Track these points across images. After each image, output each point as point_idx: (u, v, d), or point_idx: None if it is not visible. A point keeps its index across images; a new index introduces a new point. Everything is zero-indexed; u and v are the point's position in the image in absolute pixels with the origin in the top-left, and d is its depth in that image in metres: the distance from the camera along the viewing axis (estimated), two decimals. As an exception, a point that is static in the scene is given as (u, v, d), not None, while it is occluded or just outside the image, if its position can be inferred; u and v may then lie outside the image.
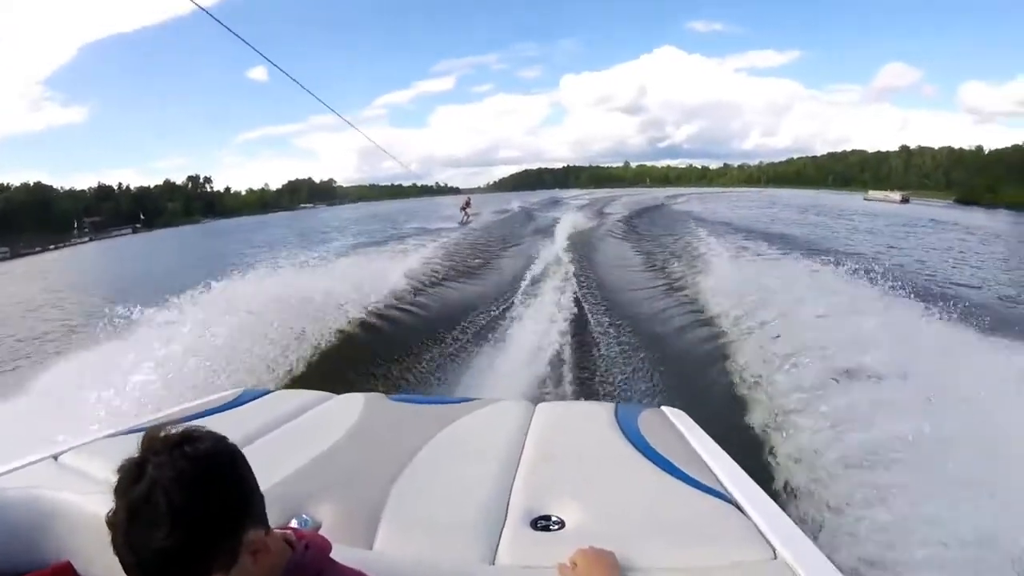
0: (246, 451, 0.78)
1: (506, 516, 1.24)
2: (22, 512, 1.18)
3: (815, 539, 1.11)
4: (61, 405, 3.74)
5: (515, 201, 33.26)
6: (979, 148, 58.55)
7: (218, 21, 3.97)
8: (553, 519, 1.23)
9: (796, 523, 1.19)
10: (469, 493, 1.33)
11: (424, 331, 6.71)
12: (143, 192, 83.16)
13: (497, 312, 7.74)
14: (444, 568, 1.06)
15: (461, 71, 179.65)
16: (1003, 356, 4.09)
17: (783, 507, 1.25)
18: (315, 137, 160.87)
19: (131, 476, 0.68)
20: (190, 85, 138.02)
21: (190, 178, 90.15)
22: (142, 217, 73.45)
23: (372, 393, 2.14)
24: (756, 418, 3.94)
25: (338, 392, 2.14)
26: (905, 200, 51.13)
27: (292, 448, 1.55)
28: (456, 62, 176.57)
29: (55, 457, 1.48)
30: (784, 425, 3.63)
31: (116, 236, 62.51)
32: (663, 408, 1.92)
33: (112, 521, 0.69)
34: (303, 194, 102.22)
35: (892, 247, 16.82)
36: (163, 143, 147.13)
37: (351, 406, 1.93)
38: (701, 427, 1.73)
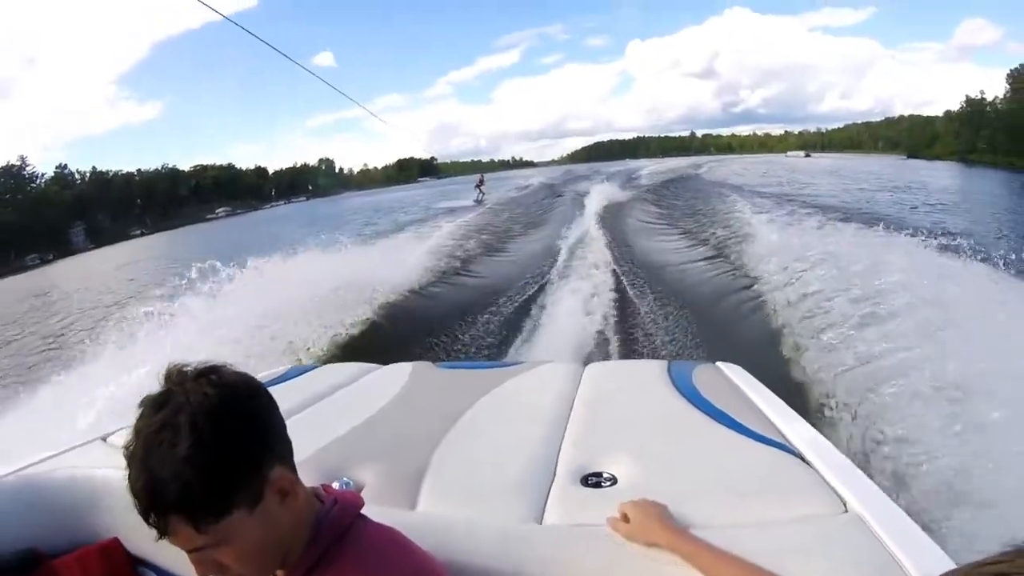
0: (290, 422, 0.77)
1: (554, 475, 1.20)
2: (70, 492, 1.19)
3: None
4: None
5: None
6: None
7: (242, 27, 4.36)
8: (605, 475, 1.18)
9: (869, 477, 1.10)
10: (515, 453, 1.29)
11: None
12: (292, 171, 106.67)
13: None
14: (488, 527, 1.01)
15: (526, 43, 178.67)
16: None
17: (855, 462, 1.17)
18: (385, 118, 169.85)
19: (154, 406, 0.65)
20: (256, 76, 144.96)
21: (321, 160, 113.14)
22: (310, 188, 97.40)
23: (419, 362, 2.10)
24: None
25: (386, 364, 2.12)
26: (807, 155, 78.18)
27: (335, 417, 1.55)
28: (519, 35, 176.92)
29: (104, 438, 1.48)
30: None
31: (295, 202, 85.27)
32: (718, 364, 1.83)
33: (130, 453, 0.64)
34: (414, 171, 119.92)
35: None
36: (234, 132, 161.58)
37: (397, 375, 1.91)
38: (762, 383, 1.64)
